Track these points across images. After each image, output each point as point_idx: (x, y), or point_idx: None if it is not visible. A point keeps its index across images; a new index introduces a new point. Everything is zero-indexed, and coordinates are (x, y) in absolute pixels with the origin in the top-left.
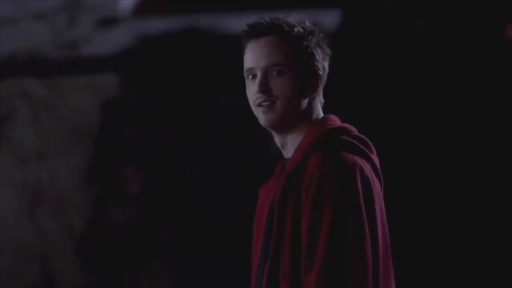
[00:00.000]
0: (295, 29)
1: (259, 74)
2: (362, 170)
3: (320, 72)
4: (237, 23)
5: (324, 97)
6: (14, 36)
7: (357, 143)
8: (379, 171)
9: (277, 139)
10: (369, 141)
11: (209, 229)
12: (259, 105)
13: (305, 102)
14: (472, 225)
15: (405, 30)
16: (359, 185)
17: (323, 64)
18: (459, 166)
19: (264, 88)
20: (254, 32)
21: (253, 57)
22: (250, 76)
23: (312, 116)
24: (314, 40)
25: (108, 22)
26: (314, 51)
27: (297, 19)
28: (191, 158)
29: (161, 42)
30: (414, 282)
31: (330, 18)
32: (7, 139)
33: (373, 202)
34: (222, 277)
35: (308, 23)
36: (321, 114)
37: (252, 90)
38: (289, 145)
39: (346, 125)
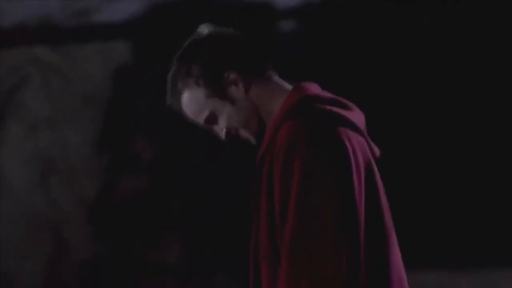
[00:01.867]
0: (171, 86)
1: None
2: (333, 136)
3: (210, 79)
4: None
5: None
6: (25, 4)
7: (328, 108)
8: (361, 128)
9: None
10: (344, 101)
11: (220, 197)
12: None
13: (243, 104)
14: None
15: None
16: (329, 153)
17: (213, 70)
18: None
19: (217, 132)
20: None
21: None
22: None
23: (272, 97)
24: (178, 74)
25: None
26: (187, 80)
27: (172, 69)
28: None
29: (172, 10)
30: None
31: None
32: (18, 107)
33: (349, 166)
34: (234, 246)
35: (178, 55)
36: (286, 87)
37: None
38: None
39: (316, 91)
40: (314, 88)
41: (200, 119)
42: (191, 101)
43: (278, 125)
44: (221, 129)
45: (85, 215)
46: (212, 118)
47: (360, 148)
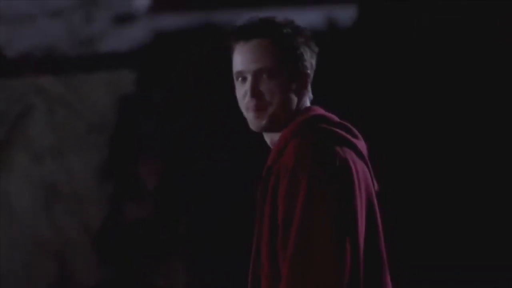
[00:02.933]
0: (284, 30)
1: (249, 77)
2: (338, 156)
3: (309, 71)
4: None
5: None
6: (30, 33)
7: (336, 130)
8: (365, 156)
9: (267, 138)
10: (352, 127)
11: (225, 222)
12: (249, 108)
13: (295, 102)
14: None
15: (417, 26)
16: (334, 172)
17: (311, 62)
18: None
19: (255, 92)
20: (243, 34)
21: (242, 60)
22: (239, 79)
23: (299, 110)
24: (302, 39)
25: (124, 19)
26: (302, 51)
27: (284, 19)
28: (206, 153)
29: (176, 39)
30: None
31: (346, 14)
32: (23, 135)
33: (352, 187)
34: (238, 271)
35: (296, 23)
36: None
37: (241, 93)
38: (275, 139)
39: (325, 113)
40: (321, 111)
41: (258, 67)
42: (280, 50)
43: (287, 140)
44: (258, 94)
45: (89, 242)
46: (269, 82)
47: (363, 174)
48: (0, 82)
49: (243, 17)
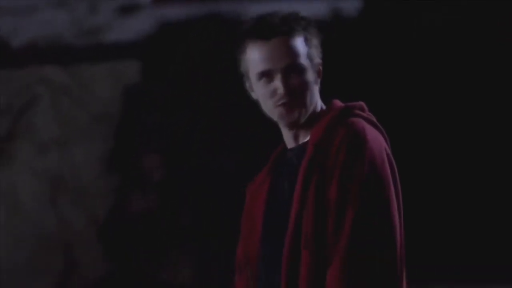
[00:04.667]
0: (299, 25)
1: (278, 75)
2: (385, 145)
3: (320, 60)
4: (257, 9)
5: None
6: (35, 24)
7: (373, 119)
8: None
9: (290, 132)
10: (372, 117)
11: (228, 214)
12: (281, 105)
13: (317, 94)
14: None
15: (422, 17)
16: (385, 159)
17: (320, 51)
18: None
19: (289, 88)
20: (262, 33)
21: (266, 58)
22: (263, 78)
23: (318, 103)
24: (314, 31)
25: (128, 9)
26: (316, 43)
27: (293, 13)
28: (210, 145)
29: (181, 29)
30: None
31: (351, 5)
32: (28, 126)
33: (396, 177)
34: None
35: (302, 15)
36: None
37: (267, 92)
38: (301, 135)
39: (359, 104)
40: (343, 103)
41: (286, 64)
42: (301, 44)
43: (329, 128)
44: (291, 91)
45: (94, 233)
46: (297, 77)
47: (389, 161)
48: (5, 73)
49: (247, 7)
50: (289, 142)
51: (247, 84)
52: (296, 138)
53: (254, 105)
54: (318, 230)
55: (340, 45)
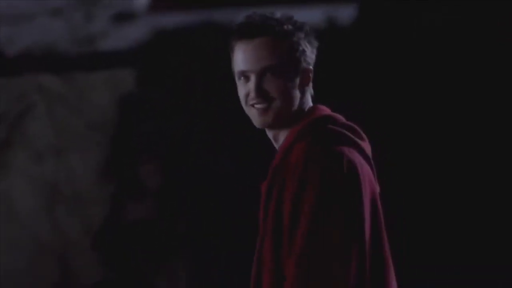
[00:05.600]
0: (285, 27)
1: (253, 77)
2: (347, 158)
3: (311, 67)
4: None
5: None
6: (30, 32)
7: (344, 131)
8: (370, 157)
9: (270, 134)
10: (358, 128)
11: (226, 222)
12: (253, 106)
13: (299, 98)
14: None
15: (418, 24)
16: (343, 174)
17: (312, 58)
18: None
19: (260, 91)
20: (245, 33)
21: (245, 59)
22: (242, 78)
23: (304, 108)
24: (303, 35)
25: (124, 17)
26: (304, 47)
27: (285, 16)
28: (207, 152)
29: (176, 37)
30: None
31: (346, 13)
32: (24, 134)
33: (360, 190)
34: (240, 271)
35: (295, 19)
36: (310, 105)
37: (244, 92)
38: (281, 139)
39: (332, 114)
40: (328, 110)
41: (261, 66)
42: (282, 47)
43: (295, 140)
44: (262, 92)
45: (90, 242)
46: (273, 80)
47: (368, 177)
48: (1, 81)
49: (242, 15)
50: (275, 144)
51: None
52: (275, 139)
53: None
54: (277, 252)
55: (336, 50)
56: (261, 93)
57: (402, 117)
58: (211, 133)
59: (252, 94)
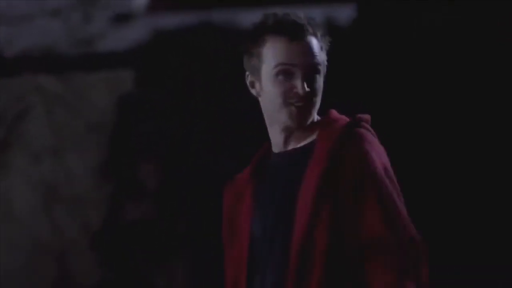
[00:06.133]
0: (321, 30)
1: (299, 73)
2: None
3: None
4: (251, 18)
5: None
6: (29, 33)
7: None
8: None
9: (281, 135)
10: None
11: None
12: (293, 104)
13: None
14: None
15: (417, 23)
16: (391, 170)
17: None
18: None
19: (306, 89)
20: (290, 30)
21: (292, 54)
22: (280, 75)
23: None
24: (327, 39)
25: (122, 18)
26: (327, 49)
27: (312, 18)
28: (206, 153)
29: (175, 38)
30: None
31: (345, 13)
32: (22, 135)
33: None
34: None
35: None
36: None
37: (283, 89)
38: (292, 140)
39: (369, 116)
40: (341, 115)
41: (312, 64)
42: (322, 48)
43: (344, 136)
44: (308, 90)
45: (89, 242)
46: (316, 77)
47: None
48: (0, 82)
49: (241, 16)
50: (277, 146)
51: (250, 80)
52: (286, 142)
53: (252, 113)
54: (333, 242)
55: (335, 51)
56: (307, 91)
57: (403, 117)
58: (210, 133)
59: (300, 92)
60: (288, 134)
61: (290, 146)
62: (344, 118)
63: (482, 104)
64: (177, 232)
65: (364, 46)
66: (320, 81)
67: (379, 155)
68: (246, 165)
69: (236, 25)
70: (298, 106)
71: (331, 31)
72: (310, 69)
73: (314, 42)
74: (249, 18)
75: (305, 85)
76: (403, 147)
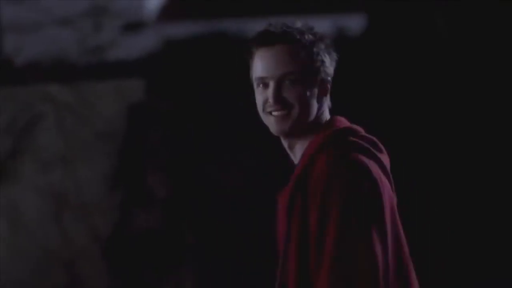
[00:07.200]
0: (306, 36)
1: (272, 83)
2: (368, 170)
3: (329, 78)
4: (261, 27)
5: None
6: (39, 42)
7: (364, 144)
8: (388, 170)
9: (285, 143)
10: (377, 141)
11: (233, 233)
12: (271, 113)
13: (316, 108)
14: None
15: (427, 33)
16: (366, 185)
17: (331, 70)
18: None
19: (278, 98)
20: (265, 39)
21: (264, 65)
22: (260, 85)
23: (322, 119)
24: (323, 46)
25: (133, 27)
26: (323, 57)
27: (305, 26)
28: (215, 163)
29: (185, 47)
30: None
31: (355, 23)
32: (32, 144)
33: (381, 202)
34: (246, 282)
35: (316, 29)
36: (328, 117)
37: (262, 99)
38: (297, 148)
39: (353, 125)
40: (347, 123)
41: (280, 73)
42: (302, 55)
43: (315, 153)
44: (281, 100)
45: (98, 251)
46: (291, 87)
47: (387, 189)
48: (9, 91)
49: (251, 25)
50: (289, 153)
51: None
52: (291, 148)
53: (262, 123)
54: (303, 262)
55: (346, 60)
56: (279, 100)
57: (414, 125)
58: (220, 142)
59: (271, 101)
60: (289, 139)
61: (296, 153)
62: (327, 134)
63: (482, 104)
64: (185, 241)
65: (374, 56)
66: (297, 88)
67: (350, 178)
68: (254, 175)
69: (247, 35)
70: (275, 115)
71: (342, 41)
72: (281, 79)
73: (290, 49)
74: (259, 28)
75: (275, 94)
76: (417, 156)
